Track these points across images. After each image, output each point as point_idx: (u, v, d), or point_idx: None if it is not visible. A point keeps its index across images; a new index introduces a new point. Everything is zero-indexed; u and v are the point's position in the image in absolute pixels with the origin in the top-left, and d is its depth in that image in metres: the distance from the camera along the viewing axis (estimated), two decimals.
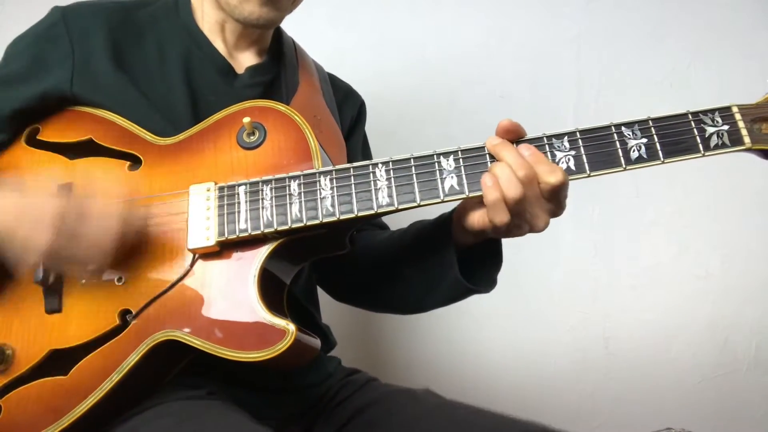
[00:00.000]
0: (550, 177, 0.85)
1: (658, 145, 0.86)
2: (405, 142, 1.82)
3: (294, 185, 0.92)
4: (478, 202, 0.90)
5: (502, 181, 0.86)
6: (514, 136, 0.90)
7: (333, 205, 0.90)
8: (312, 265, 1.21)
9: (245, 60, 1.15)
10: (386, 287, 1.13)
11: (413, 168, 0.90)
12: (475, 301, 1.06)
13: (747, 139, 0.87)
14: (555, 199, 0.88)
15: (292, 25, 1.23)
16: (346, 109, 1.30)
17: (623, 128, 0.88)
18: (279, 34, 1.22)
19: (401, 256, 1.10)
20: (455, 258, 0.98)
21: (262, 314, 0.88)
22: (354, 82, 1.36)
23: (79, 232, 0.86)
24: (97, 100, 1.04)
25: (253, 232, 0.90)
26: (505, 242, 0.99)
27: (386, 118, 1.79)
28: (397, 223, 1.20)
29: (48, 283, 0.93)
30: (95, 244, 0.87)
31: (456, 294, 1.03)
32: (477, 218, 0.93)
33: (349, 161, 0.94)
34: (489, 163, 0.88)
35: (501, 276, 1.03)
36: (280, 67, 1.18)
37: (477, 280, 1.01)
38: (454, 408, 1.04)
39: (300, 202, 0.91)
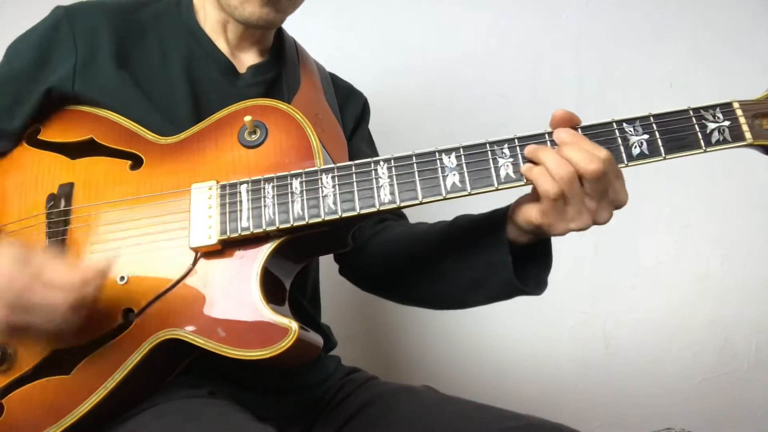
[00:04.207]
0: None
1: (659, 141, 0.86)
2: (405, 142, 1.81)
3: (296, 183, 0.91)
4: (536, 197, 0.88)
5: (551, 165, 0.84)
6: (569, 125, 0.88)
7: (335, 203, 0.90)
8: (336, 255, 1.19)
9: (247, 59, 1.15)
10: (423, 282, 1.09)
11: (415, 165, 0.89)
12: None
13: (748, 135, 0.87)
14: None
15: (293, 26, 1.23)
16: (349, 107, 1.29)
17: (624, 124, 0.88)
18: (280, 33, 1.22)
19: (445, 251, 1.05)
20: (509, 258, 0.95)
21: (265, 312, 0.88)
22: (354, 82, 1.36)
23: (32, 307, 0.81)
24: (98, 99, 1.04)
25: (255, 230, 0.90)
26: None
27: (387, 118, 1.79)
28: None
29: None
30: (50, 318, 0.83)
31: (504, 294, 1.00)
32: (535, 213, 0.89)
33: (355, 159, 0.93)
34: (491, 160, 0.88)
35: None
36: (282, 66, 1.18)
37: (527, 280, 0.98)
38: (455, 403, 1.03)
39: (302, 200, 0.90)
